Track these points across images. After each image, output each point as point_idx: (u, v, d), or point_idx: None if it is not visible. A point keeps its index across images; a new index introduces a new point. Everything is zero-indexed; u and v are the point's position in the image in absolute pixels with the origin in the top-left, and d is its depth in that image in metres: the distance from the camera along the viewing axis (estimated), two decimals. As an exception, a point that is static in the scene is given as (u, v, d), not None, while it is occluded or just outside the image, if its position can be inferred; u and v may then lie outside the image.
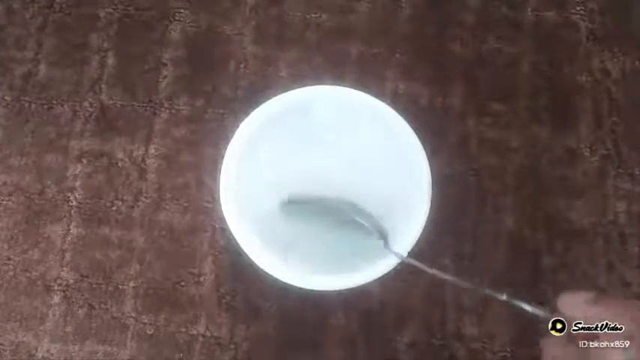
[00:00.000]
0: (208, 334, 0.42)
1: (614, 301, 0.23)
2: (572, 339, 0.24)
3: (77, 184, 0.45)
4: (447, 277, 0.30)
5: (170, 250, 0.44)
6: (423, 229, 0.35)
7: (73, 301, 0.43)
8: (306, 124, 0.38)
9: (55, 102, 0.47)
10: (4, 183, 0.45)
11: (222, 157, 0.36)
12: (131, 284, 0.43)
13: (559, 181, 0.45)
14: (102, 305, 0.43)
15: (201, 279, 0.43)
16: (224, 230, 0.44)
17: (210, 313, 0.42)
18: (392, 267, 0.34)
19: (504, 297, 0.27)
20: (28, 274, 0.43)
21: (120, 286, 0.43)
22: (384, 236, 0.35)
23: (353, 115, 0.38)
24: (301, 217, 0.38)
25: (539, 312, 0.25)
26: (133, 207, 0.44)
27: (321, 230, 0.37)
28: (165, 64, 0.47)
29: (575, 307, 0.24)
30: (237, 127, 0.37)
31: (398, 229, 0.36)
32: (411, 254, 0.34)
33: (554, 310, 0.25)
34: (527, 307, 0.26)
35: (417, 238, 0.35)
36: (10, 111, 0.46)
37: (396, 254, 0.34)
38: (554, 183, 0.45)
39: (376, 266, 0.34)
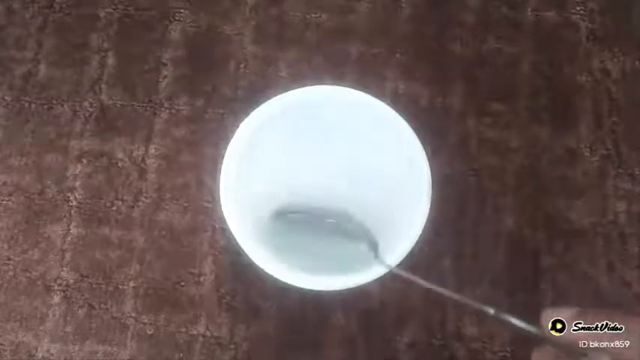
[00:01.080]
0: (208, 334, 0.42)
1: (596, 317, 0.23)
2: (562, 352, 0.24)
3: (77, 184, 0.45)
4: (435, 287, 0.29)
5: (170, 250, 0.44)
6: (423, 229, 0.35)
7: (73, 301, 0.43)
8: (306, 124, 0.38)
9: (55, 102, 0.47)
10: (4, 183, 0.45)
11: (222, 157, 0.36)
12: (131, 284, 0.43)
13: (559, 181, 0.45)
14: (102, 305, 0.43)
15: (201, 279, 0.43)
16: (224, 230, 0.44)
17: (210, 313, 0.42)
18: (390, 268, 0.34)
19: (492, 312, 0.26)
20: (28, 274, 0.43)
21: (120, 286, 0.43)
22: (374, 247, 0.35)
23: (353, 115, 0.38)
24: (291, 229, 0.38)
25: (527, 327, 0.25)
26: (133, 207, 0.44)
27: (311, 241, 0.37)
28: (165, 64, 0.47)
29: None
30: (237, 127, 0.37)
31: (397, 230, 0.36)
32: (410, 255, 0.34)
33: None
34: (516, 322, 0.25)
35: (415, 242, 0.34)
36: (10, 111, 0.46)
37: (386, 265, 0.33)
38: (554, 183, 0.45)
39: (376, 266, 0.34)
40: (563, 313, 0.24)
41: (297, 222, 0.38)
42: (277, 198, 0.40)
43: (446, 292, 0.29)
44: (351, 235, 0.37)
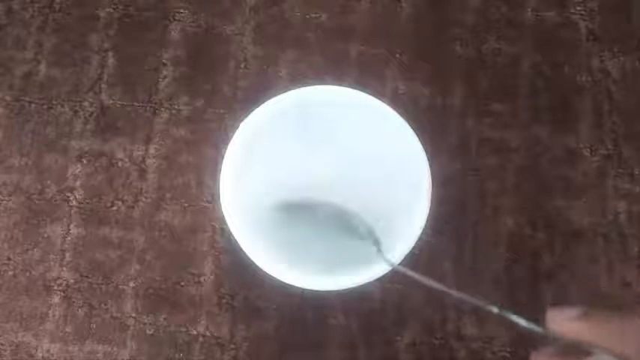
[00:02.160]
0: (208, 334, 0.42)
1: (600, 319, 0.23)
2: (562, 353, 0.24)
3: (77, 184, 0.45)
4: (437, 285, 0.29)
5: (170, 250, 0.44)
6: (423, 230, 0.35)
7: (73, 301, 0.43)
8: (306, 124, 0.38)
9: (55, 102, 0.47)
10: (4, 183, 0.45)
11: (222, 157, 0.36)
12: (131, 284, 0.43)
13: (559, 181, 0.45)
14: (102, 305, 0.43)
15: (201, 279, 0.43)
16: (224, 230, 0.44)
17: (210, 313, 0.42)
18: (390, 268, 0.34)
19: (496, 310, 0.26)
20: (28, 274, 0.43)
21: (120, 286, 0.43)
22: (376, 242, 0.35)
23: (353, 115, 0.38)
24: (294, 223, 0.38)
25: (530, 326, 0.25)
26: (133, 207, 0.44)
27: (313, 234, 0.37)
28: (165, 64, 0.47)
29: (561, 323, 0.24)
30: (237, 127, 0.37)
31: (397, 230, 0.36)
32: (410, 255, 0.34)
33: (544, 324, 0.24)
34: (520, 321, 0.25)
35: (414, 241, 0.34)
36: (10, 111, 0.46)
37: (389, 262, 0.33)
38: (554, 183, 0.45)
39: (376, 266, 0.34)
40: (567, 313, 0.24)
41: (299, 212, 0.38)
42: (277, 198, 0.40)
43: (448, 290, 0.29)
44: (352, 230, 0.36)
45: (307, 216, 0.38)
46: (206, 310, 0.42)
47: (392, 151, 0.37)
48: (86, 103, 0.47)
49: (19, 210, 0.44)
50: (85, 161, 0.45)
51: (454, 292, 0.28)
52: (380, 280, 0.34)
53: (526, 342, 0.42)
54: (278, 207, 0.38)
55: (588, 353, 0.22)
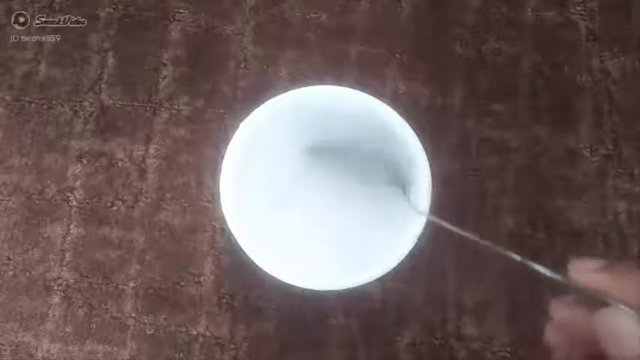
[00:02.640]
0: (208, 334, 0.42)
1: (623, 272, 0.23)
2: (581, 302, 0.24)
3: (77, 184, 0.45)
4: (465, 234, 0.31)
5: (170, 250, 0.44)
6: (423, 230, 0.35)
7: (73, 301, 0.43)
8: (306, 124, 0.38)
9: (55, 102, 0.47)
10: (4, 183, 0.45)
11: (222, 157, 0.36)
12: (131, 284, 0.43)
13: (559, 181, 0.45)
14: (102, 305, 0.43)
15: (201, 279, 0.43)
16: (224, 230, 0.44)
17: (210, 313, 0.42)
18: (393, 265, 0.34)
19: (519, 258, 0.28)
20: (28, 274, 0.43)
21: (120, 286, 0.43)
22: (403, 186, 0.36)
23: (353, 115, 0.38)
24: (321, 166, 0.39)
25: (554, 275, 0.25)
26: (133, 207, 0.44)
27: (339, 180, 0.38)
28: (165, 64, 0.47)
29: (583, 272, 0.24)
30: (237, 127, 0.37)
31: (397, 230, 0.36)
32: (410, 255, 0.34)
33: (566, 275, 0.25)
34: (541, 269, 0.26)
35: (414, 243, 0.34)
36: (10, 111, 0.46)
37: (414, 207, 0.34)
38: (554, 183, 0.45)
39: (376, 266, 0.34)
40: (590, 264, 0.24)
41: (328, 159, 0.39)
42: (277, 197, 0.40)
43: (475, 237, 0.30)
44: (379, 174, 0.37)
45: (330, 162, 0.39)
46: (206, 310, 0.42)
47: (392, 151, 0.37)
48: (86, 103, 0.47)
49: (19, 210, 0.44)
50: (85, 161, 0.45)
51: (480, 240, 0.30)
52: (380, 280, 0.34)
53: (526, 342, 0.42)
54: (304, 151, 0.39)
55: (606, 304, 0.22)
